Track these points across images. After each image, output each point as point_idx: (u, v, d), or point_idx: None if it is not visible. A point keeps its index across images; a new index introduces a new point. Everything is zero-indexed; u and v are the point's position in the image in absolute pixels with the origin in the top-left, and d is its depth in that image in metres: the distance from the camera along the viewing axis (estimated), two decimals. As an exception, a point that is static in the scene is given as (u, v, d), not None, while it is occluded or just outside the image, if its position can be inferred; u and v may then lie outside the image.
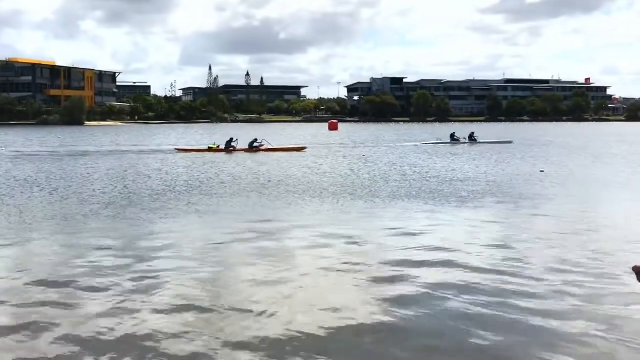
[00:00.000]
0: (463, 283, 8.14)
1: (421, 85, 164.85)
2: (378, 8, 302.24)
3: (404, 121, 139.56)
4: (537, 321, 6.65)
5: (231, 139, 37.71)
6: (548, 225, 12.56)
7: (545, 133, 72.28)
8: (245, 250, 10.29)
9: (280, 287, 8.03)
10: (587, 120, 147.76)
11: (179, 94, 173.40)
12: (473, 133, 47.66)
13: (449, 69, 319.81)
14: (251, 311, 7.03)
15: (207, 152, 36.42)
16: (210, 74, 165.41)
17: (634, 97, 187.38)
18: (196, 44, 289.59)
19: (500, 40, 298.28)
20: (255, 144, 37.28)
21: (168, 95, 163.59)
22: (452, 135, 47.25)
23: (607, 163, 29.11)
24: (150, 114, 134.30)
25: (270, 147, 37.49)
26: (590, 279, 8.28)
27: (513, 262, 9.28)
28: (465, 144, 45.24)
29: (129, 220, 13.23)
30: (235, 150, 36.80)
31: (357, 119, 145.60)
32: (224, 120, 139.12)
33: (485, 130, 72.77)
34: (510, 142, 47.79)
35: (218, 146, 37.49)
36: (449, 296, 7.56)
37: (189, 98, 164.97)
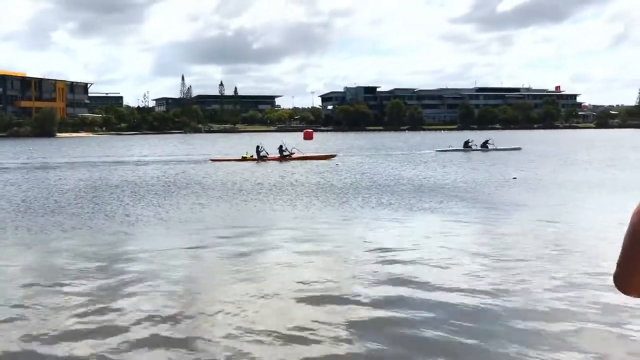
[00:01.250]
0: (426, 292, 8.16)
1: (394, 94, 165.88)
2: (351, 18, 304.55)
3: (377, 130, 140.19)
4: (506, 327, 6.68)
5: (258, 147, 38.16)
6: (514, 229, 12.68)
7: (519, 140, 73.09)
8: (216, 260, 10.20)
9: (247, 297, 7.97)
10: (557, 127, 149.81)
11: (151, 104, 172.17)
12: (487, 140, 48.26)
13: (421, 78, 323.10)
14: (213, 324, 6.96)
15: (240, 162, 36.82)
16: (183, 84, 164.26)
17: (603, 104, 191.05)
18: (169, 54, 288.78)
19: (471, 49, 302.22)
20: (286, 152, 37.89)
21: (141, 106, 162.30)
22: (466, 143, 47.85)
23: (580, 168, 29.53)
24: (123, 125, 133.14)
25: (301, 155, 38.07)
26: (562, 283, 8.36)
27: (484, 270, 9.34)
28: (477, 151, 45.79)
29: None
30: (267, 159, 37.36)
31: (331, 128, 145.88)
32: (197, 131, 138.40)
33: (459, 138, 73.29)
34: (519, 149, 47.87)
35: (251, 156, 37.92)
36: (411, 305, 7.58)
37: (162, 108, 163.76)
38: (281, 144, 38.41)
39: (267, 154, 37.67)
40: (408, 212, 15.72)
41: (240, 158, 37.88)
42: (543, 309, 7.24)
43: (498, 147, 47.38)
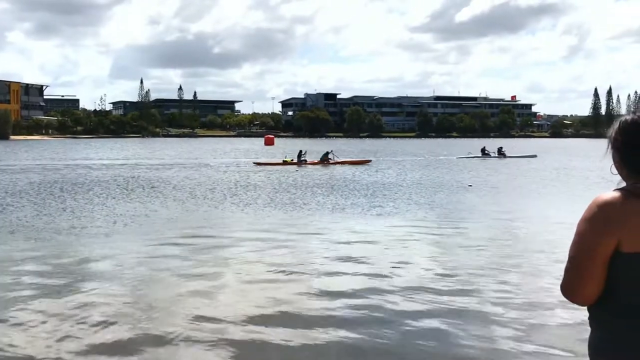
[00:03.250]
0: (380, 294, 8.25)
1: (354, 101, 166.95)
2: (312, 25, 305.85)
3: (337, 136, 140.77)
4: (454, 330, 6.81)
5: (301, 152, 39.67)
6: (465, 234, 12.91)
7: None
8: (176, 262, 10.13)
9: (204, 299, 7.95)
10: (513, 136, 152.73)
11: (109, 107, 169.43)
12: (501, 148, 49.69)
13: (381, 86, 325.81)
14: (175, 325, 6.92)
15: (282, 166, 37.91)
16: (141, 87, 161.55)
17: (558, 114, 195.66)
18: (128, 57, 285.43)
19: (430, 58, 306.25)
20: (328, 157, 39.43)
21: (97, 109, 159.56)
22: (483, 150, 49.61)
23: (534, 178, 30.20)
24: (79, 128, 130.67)
25: (338, 160, 39.56)
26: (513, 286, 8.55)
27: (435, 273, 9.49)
28: (495, 158, 47.22)
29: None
30: (307, 163, 38.65)
31: (291, 134, 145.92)
32: (155, 135, 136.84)
33: (417, 145, 74.31)
34: (534, 156, 48.86)
35: (292, 160, 39.17)
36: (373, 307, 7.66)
37: (120, 112, 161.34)
38: (328, 151, 40.54)
39: (306, 159, 39.12)
40: (374, 215, 15.87)
41: (282, 162, 39.06)
42: (490, 309, 7.40)
43: (514, 155, 48.95)
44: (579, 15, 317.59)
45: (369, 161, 41.59)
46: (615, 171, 2.10)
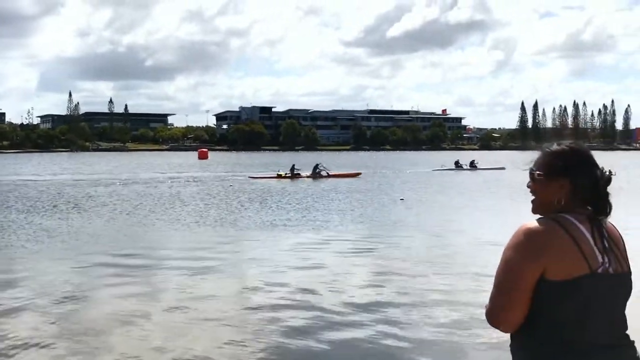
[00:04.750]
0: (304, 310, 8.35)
1: (289, 114, 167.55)
2: (247, 38, 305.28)
3: (273, 150, 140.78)
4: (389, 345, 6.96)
5: (294, 166, 40.45)
6: (395, 249, 13.19)
7: (408, 161, 75.62)
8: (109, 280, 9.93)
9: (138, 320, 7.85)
10: (444, 149, 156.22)
11: (36, 121, 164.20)
12: (474, 160, 51.09)
13: (316, 99, 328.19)
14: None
15: (277, 179, 38.32)
16: (70, 100, 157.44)
17: (486, 127, 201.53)
18: (57, 70, 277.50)
19: (364, 72, 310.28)
20: (317, 170, 39.97)
21: (24, 123, 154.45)
22: (457, 163, 50.82)
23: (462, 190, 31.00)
24: (5, 143, 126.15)
25: (330, 173, 40.19)
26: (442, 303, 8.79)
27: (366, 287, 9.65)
28: (467, 170, 48.61)
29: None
30: (300, 176, 39.30)
31: (226, 148, 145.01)
32: (85, 149, 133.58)
33: (352, 159, 74.99)
34: (503, 169, 49.59)
35: (286, 174, 39.59)
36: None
37: (48, 126, 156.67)
38: (317, 164, 40.94)
39: (300, 173, 39.73)
40: (309, 229, 15.96)
41: (276, 176, 39.33)
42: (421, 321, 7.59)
43: (483, 167, 50.24)
44: (506, 31, 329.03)
45: (359, 174, 42.19)
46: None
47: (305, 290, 9.37)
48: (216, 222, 17.93)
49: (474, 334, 6.92)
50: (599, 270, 2.00)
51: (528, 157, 2.22)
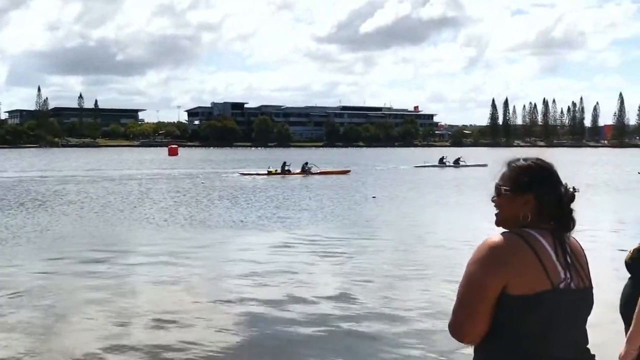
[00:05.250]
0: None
1: (262, 110, 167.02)
2: (219, 32, 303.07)
3: (245, 146, 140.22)
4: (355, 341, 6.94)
5: (285, 163, 40.64)
6: (366, 243, 13.20)
7: (382, 157, 75.88)
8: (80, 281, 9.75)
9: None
10: (416, 145, 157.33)
11: (4, 116, 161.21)
12: (459, 157, 51.43)
13: (289, 95, 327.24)
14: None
15: (267, 176, 38.50)
16: (39, 95, 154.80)
17: (458, 124, 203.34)
18: (25, 64, 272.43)
19: (337, 68, 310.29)
20: (306, 167, 40.25)
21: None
22: (441, 159, 51.16)
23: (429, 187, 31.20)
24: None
25: (318, 170, 40.53)
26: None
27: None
28: (451, 167, 49.09)
29: None
30: (290, 173, 39.43)
31: (198, 144, 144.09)
32: (54, 145, 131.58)
33: (325, 155, 74.93)
34: (485, 165, 48.62)
35: (276, 170, 39.87)
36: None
37: (16, 121, 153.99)
38: (306, 162, 41.20)
39: (290, 170, 39.91)
40: (274, 227, 15.89)
41: (267, 172, 39.46)
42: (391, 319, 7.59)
43: (467, 164, 50.49)
44: (478, 28, 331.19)
45: (348, 171, 42.34)
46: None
47: (273, 288, 9.33)
48: (185, 221, 17.75)
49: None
50: (561, 286, 2.03)
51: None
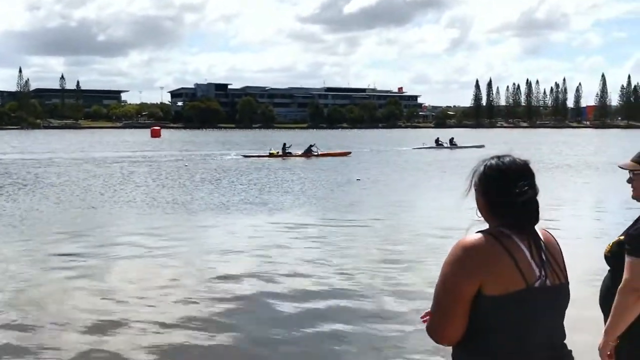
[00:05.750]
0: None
1: (246, 91, 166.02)
2: (202, 13, 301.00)
3: (229, 127, 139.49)
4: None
5: (285, 144, 40.90)
6: (351, 229, 13.21)
7: (368, 139, 75.83)
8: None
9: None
10: (400, 127, 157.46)
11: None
12: (453, 138, 52.11)
13: (272, 76, 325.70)
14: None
15: (269, 158, 38.64)
16: (20, 76, 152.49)
17: (442, 105, 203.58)
18: (5, 44, 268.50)
19: (321, 49, 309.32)
20: (310, 149, 40.46)
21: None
22: (437, 140, 51.99)
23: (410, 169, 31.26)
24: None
25: (320, 152, 40.72)
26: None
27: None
28: (447, 148, 49.65)
29: None
30: (291, 155, 39.58)
31: (181, 125, 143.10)
32: (36, 126, 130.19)
33: (316, 138, 74.73)
34: (482, 146, 49.91)
35: (277, 152, 40.07)
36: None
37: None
38: (311, 144, 41.31)
39: (291, 152, 40.11)
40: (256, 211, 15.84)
41: (268, 154, 39.63)
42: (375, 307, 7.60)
43: (464, 145, 50.74)
44: (462, 9, 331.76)
45: (349, 153, 42.40)
46: (479, 214, 2.18)
47: (256, 272, 9.31)
48: (167, 204, 17.63)
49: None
50: (536, 284, 2.04)
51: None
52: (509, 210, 2.08)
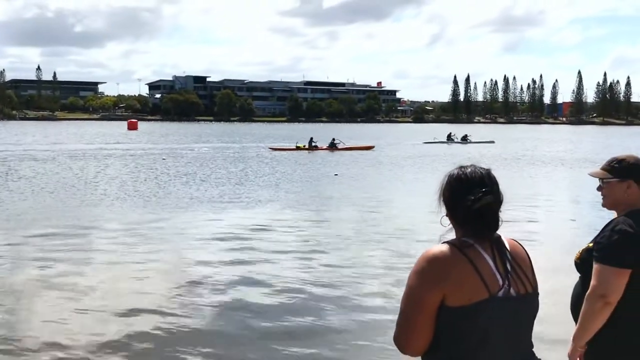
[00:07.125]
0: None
1: (224, 84, 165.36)
2: (181, 5, 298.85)
3: (208, 120, 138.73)
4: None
5: (312, 138, 41.77)
6: (330, 221, 13.22)
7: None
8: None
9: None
10: (379, 121, 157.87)
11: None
12: (466, 135, 52.49)
13: (251, 69, 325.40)
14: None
15: (295, 151, 39.46)
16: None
17: (420, 100, 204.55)
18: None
19: (300, 42, 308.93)
20: (334, 143, 41.50)
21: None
22: (449, 136, 52.45)
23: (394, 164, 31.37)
24: None
25: (344, 146, 41.62)
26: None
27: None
28: (458, 143, 50.00)
29: None
30: (317, 149, 40.54)
31: (159, 118, 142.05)
32: (11, 118, 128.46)
33: (287, 129, 74.52)
34: (493, 142, 51.08)
35: (304, 146, 40.94)
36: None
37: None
38: (333, 138, 42.44)
39: (317, 145, 40.88)
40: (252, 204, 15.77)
41: (295, 147, 40.65)
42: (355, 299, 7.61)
43: (475, 141, 51.39)
44: (441, 5, 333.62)
45: (372, 147, 42.90)
46: (446, 223, 2.17)
47: (234, 267, 9.27)
48: (143, 198, 17.48)
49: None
50: (500, 294, 2.04)
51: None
52: (468, 218, 2.08)
